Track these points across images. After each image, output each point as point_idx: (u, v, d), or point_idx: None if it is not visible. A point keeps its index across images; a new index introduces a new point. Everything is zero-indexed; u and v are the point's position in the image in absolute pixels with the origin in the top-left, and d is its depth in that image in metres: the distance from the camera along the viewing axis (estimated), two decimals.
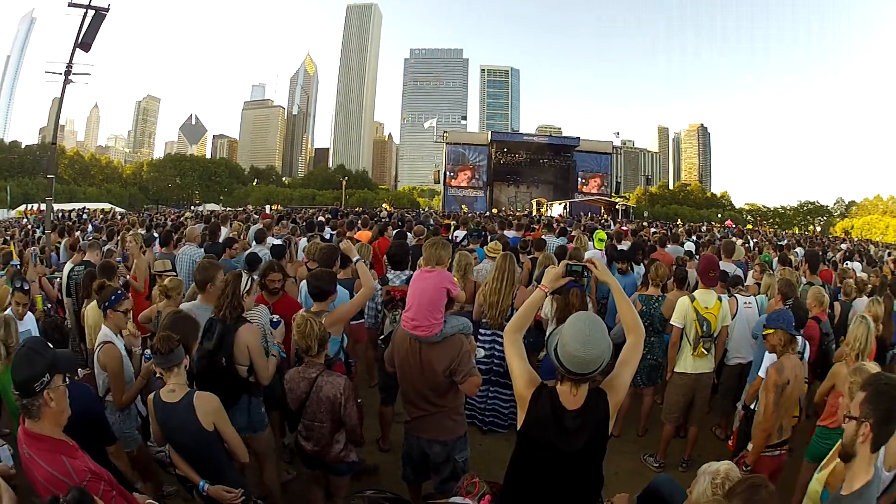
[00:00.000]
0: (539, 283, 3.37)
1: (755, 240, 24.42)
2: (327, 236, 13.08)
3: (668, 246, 12.33)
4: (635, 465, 6.45)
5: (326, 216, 22.29)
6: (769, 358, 5.12)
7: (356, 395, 4.32)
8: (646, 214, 77.68)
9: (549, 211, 54.96)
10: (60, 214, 30.40)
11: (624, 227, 20.03)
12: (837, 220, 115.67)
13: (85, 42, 12.74)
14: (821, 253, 15.84)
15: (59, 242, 12.40)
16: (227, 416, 3.64)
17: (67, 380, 2.90)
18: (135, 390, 4.56)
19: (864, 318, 5.31)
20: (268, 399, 4.90)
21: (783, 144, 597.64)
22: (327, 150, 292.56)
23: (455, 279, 4.80)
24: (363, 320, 7.00)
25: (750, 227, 65.71)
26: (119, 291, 4.95)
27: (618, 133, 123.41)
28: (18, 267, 7.64)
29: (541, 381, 3.02)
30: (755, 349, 6.35)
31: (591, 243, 11.09)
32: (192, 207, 73.09)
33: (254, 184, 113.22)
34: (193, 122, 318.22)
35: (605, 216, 44.64)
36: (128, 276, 7.76)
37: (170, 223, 19.35)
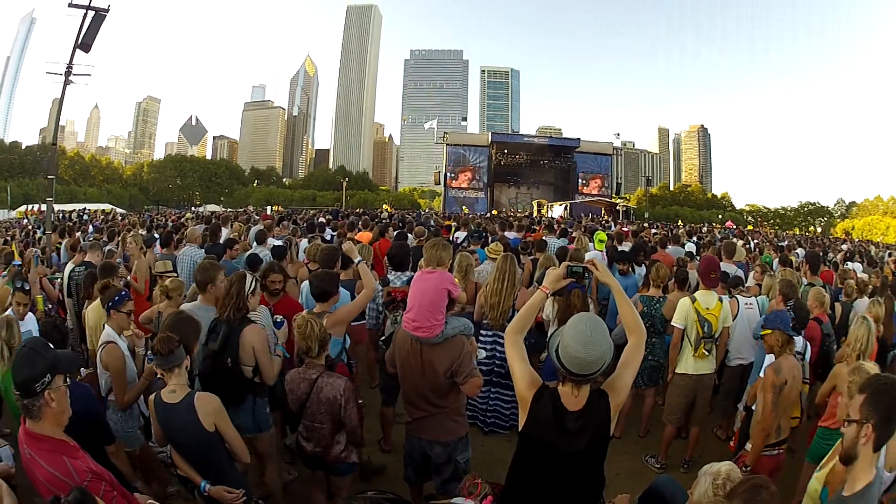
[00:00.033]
0: (540, 285, 3.36)
1: (756, 241, 24.43)
2: (328, 237, 13.09)
3: (669, 247, 12.33)
4: (636, 465, 6.44)
5: (327, 217, 22.34)
6: (770, 359, 5.12)
7: (357, 396, 4.32)
8: (646, 215, 77.95)
9: (549, 212, 54.95)
10: (61, 215, 30.38)
11: (625, 229, 20.02)
12: (838, 220, 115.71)
13: (85, 43, 12.75)
14: (821, 254, 15.83)
15: (60, 243, 12.41)
16: (227, 417, 3.64)
17: (68, 380, 2.90)
18: (137, 391, 4.56)
19: (865, 318, 5.32)
20: (270, 399, 4.90)
21: (784, 145, 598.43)
22: (328, 151, 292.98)
23: (456, 280, 4.80)
24: (364, 321, 7.00)
25: (750, 227, 65.61)
26: (123, 292, 4.95)
27: (618, 134, 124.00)
28: (20, 267, 7.64)
29: (542, 383, 3.02)
30: (756, 350, 6.35)
31: (591, 244, 11.08)
32: (193, 208, 73.12)
33: (254, 185, 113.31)
34: (194, 123, 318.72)
35: (606, 217, 44.73)
36: (128, 277, 7.77)
37: (170, 224, 19.39)
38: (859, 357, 5.03)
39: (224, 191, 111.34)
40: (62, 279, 8.58)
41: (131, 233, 10.77)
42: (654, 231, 22.53)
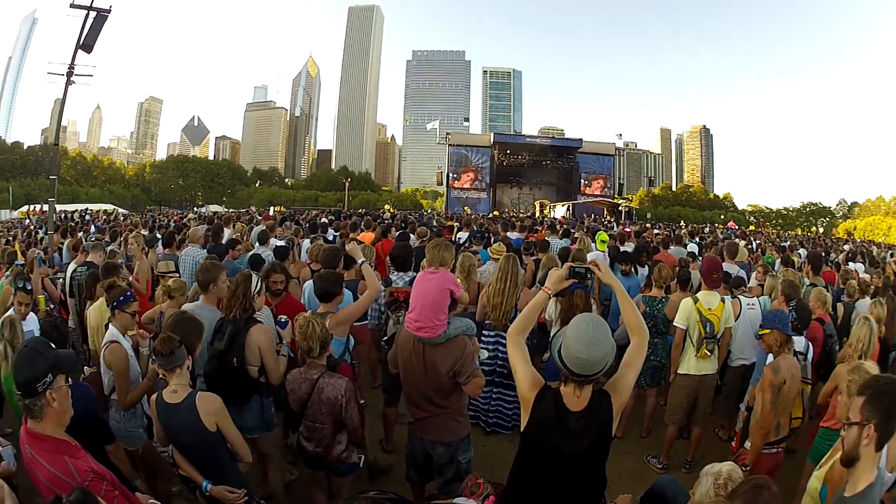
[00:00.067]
0: (542, 285, 3.36)
1: (758, 241, 24.39)
2: (330, 238, 13.09)
3: (671, 247, 12.35)
4: (638, 466, 6.44)
5: (329, 218, 22.32)
6: (770, 359, 5.12)
7: (358, 396, 4.32)
8: (649, 216, 77.95)
9: (552, 213, 54.90)
10: (63, 215, 30.42)
11: (627, 229, 20.01)
12: (840, 221, 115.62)
13: (87, 43, 12.77)
14: (823, 254, 15.80)
15: (62, 243, 12.41)
16: (229, 417, 3.64)
17: (69, 380, 2.90)
18: (140, 391, 4.56)
19: (867, 319, 5.33)
20: (274, 399, 4.91)
21: (785, 145, 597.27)
22: (330, 151, 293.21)
23: (458, 280, 4.79)
24: (366, 322, 7.00)
25: (753, 228, 65.59)
26: (128, 292, 4.95)
27: (620, 134, 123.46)
28: (22, 266, 7.64)
29: (544, 383, 3.02)
30: (758, 350, 6.34)
31: (593, 245, 11.08)
32: (195, 209, 73.17)
33: (257, 185, 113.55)
34: (196, 123, 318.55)
35: (609, 218, 44.76)
36: (130, 278, 7.77)
37: (173, 224, 19.40)
38: (861, 357, 5.04)
39: (226, 191, 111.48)
40: (64, 279, 8.59)
41: (133, 233, 10.77)
42: (656, 231, 22.49)
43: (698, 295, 6.36)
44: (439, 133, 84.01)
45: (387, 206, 58.89)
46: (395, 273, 6.77)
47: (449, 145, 74.64)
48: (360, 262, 5.51)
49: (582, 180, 73.06)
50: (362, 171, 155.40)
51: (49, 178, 15.19)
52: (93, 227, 21.52)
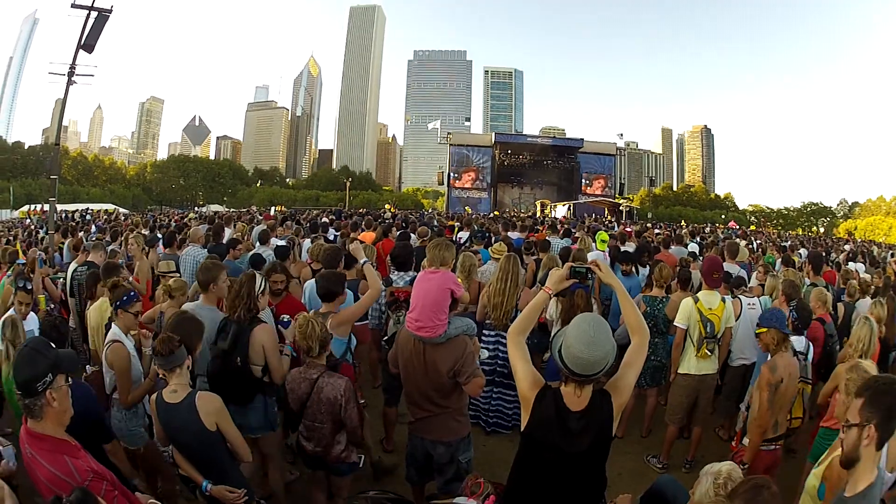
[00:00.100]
0: (543, 285, 3.36)
1: (759, 241, 24.39)
2: (331, 237, 13.11)
3: (672, 247, 12.39)
4: (639, 465, 6.44)
5: (330, 217, 22.37)
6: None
7: (358, 396, 4.32)
8: (650, 216, 78.01)
9: (553, 212, 54.94)
10: (64, 215, 30.40)
11: (628, 229, 20.01)
12: (841, 221, 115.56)
13: (88, 43, 12.74)
14: (824, 254, 15.80)
15: (63, 243, 12.41)
16: (229, 416, 3.64)
17: (69, 380, 2.90)
18: (142, 390, 4.56)
19: (867, 319, 5.33)
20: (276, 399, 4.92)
21: (786, 145, 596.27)
22: (331, 151, 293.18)
23: (459, 280, 4.79)
24: (367, 321, 7.00)
25: (753, 228, 65.58)
26: (132, 293, 4.94)
27: (621, 134, 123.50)
28: (23, 265, 7.65)
29: (545, 383, 3.02)
30: (759, 350, 6.34)
31: (594, 244, 11.08)
32: (196, 208, 73.16)
33: (257, 185, 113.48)
34: (197, 123, 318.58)
35: (609, 217, 44.72)
36: (130, 278, 7.78)
37: (174, 224, 19.40)
38: (861, 357, 5.04)
39: (227, 191, 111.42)
40: (65, 279, 8.59)
41: (133, 234, 10.78)
42: (657, 231, 22.53)
43: (699, 295, 6.35)
44: (440, 133, 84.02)
45: (387, 206, 58.87)
46: (396, 273, 6.77)
47: (450, 145, 74.82)
48: (362, 261, 5.51)
49: (583, 180, 73.22)
50: (363, 171, 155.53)
51: (50, 177, 15.15)
52: (93, 226, 21.52)
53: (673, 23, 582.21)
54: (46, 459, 2.73)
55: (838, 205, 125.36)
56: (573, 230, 16.79)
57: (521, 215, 41.43)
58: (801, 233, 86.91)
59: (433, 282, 4.39)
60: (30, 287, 5.92)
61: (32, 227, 23.50)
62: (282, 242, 9.86)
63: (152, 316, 5.76)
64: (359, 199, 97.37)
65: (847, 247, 28.22)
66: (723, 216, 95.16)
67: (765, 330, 4.96)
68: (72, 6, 12.51)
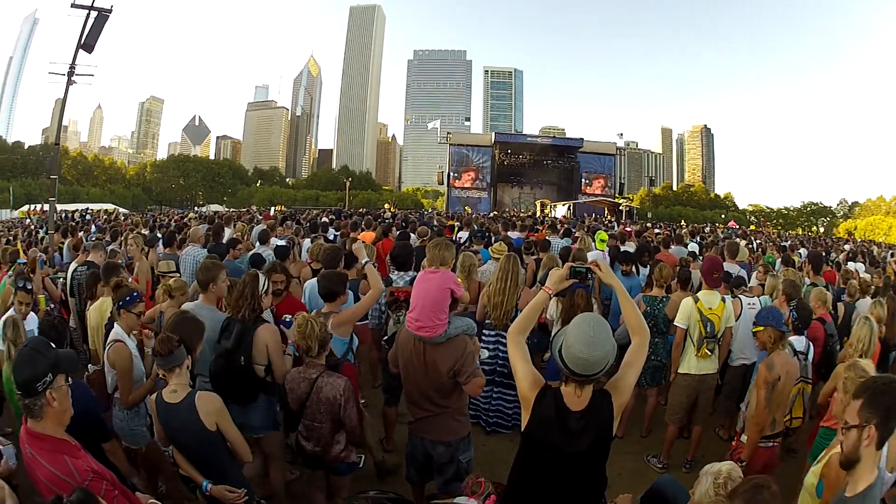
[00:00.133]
0: (543, 285, 3.36)
1: (759, 241, 24.41)
2: (331, 237, 13.13)
3: (672, 247, 12.39)
4: (639, 465, 6.44)
5: (330, 217, 22.41)
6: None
7: (357, 396, 4.33)
8: (649, 215, 78.08)
9: (552, 212, 54.96)
10: (64, 215, 30.39)
11: (628, 229, 20.02)
12: (841, 220, 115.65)
13: (88, 43, 12.74)
14: (824, 254, 15.82)
15: (63, 243, 12.41)
16: (229, 416, 3.64)
17: (69, 379, 2.90)
18: (143, 391, 4.55)
19: (867, 319, 5.34)
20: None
21: (786, 145, 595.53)
22: (331, 151, 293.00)
23: (459, 280, 4.79)
24: (367, 321, 6.99)
25: (753, 228, 65.62)
26: (135, 293, 4.94)
27: (621, 134, 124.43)
28: (24, 265, 7.65)
29: (545, 383, 3.02)
30: (759, 350, 6.35)
31: (593, 244, 11.08)
32: (196, 208, 73.17)
33: (257, 185, 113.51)
34: (197, 123, 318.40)
35: (609, 217, 44.72)
36: (129, 279, 7.79)
37: (173, 224, 19.42)
38: (861, 357, 5.04)
39: (227, 191, 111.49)
40: (65, 279, 8.59)
41: (132, 234, 10.78)
42: (657, 231, 22.55)
43: (699, 294, 6.36)
44: (440, 132, 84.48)
45: (387, 206, 58.87)
46: (396, 272, 6.77)
47: (450, 145, 74.97)
48: (364, 262, 5.51)
49: (583, 180, 73.33)
50: (363, 171, 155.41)
51: (50, 177, 15.17)
52: (93, 226, 21.54)
53: (673, 23, 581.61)
54: (46, 459, 2.73)
55: (838, 205, 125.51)
56: (573, 230, 16.77)
57: (521, 215, 41.47)
58: (800, 232, 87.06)
59: (433, 281, 4.39)
60: (30, 287, 5.92)
61: (32, 226, 23.51)
62: (282, 242, 9.86)
63: (152, 316, 5.75)
64: (358, 198, 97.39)
65: (847, 246, 28.24)
66: (723, 216, 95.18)
67: (761, 328, 4.98)
68: (72, 6, 12.52)
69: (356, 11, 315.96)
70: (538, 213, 52.04)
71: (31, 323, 5.72)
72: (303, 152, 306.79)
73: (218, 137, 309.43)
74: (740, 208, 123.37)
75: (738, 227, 54.60)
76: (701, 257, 10.38)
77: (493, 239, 11.71)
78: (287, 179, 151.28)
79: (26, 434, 2.80)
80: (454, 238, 13.18)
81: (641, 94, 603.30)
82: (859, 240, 59.61)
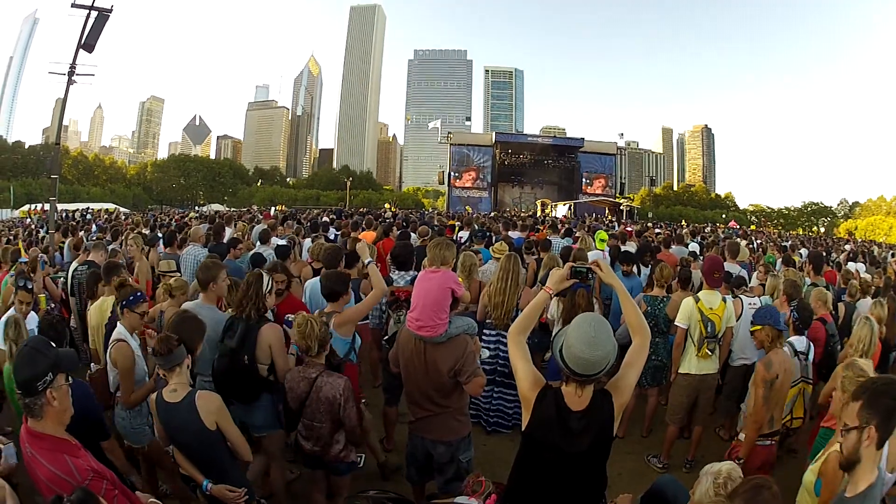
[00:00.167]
0: (544, 285, 3.36)
1: (759, 241, 24.42)
2: (331, 237, 13.11)
3: (673, 247, 12.38)
4: (639, 465, 6.44)
5: (331, 217, 22.35)
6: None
7: (358, 396, 4.33)
8: (650, 215, 78.03)
9: (553, 212, 54.95)
10: (64, 214, 30.38)
11: (628, 229, 20.00)
12: (841, 221, 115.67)
13: (88, 43, 12.73)
14: (825, 254, 15.83)
15: (63, 242, 12.41)
16: (229, 415, 3.64)
17: (70, 379, 2.90)
18: (145, 391, 4.55)
19: (867, 319, 5.33)
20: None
21: (786, 145, 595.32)
22: (331, 150, 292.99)
23: (460, 279, 4.78)
24: (367, 321, 6.99)
25: (754, 228, 65.66)
26: (139, 293, 4.96)
27: (622, 134, 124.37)
28: (26, 264, 7.65)
29: (546, 383, 3.02)
30: (760, 350, 6.35)
31: (594, 244, 11.07)
32: (197, 208, 73.20)
33: (258, 184, 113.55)
34: (197, 122, 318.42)
35: (610, 217, 44.70)
36: (130, 279, 7.79)
37: (174, 223, 19.40)
38: (862, 358, 5.03)
39: (228, 190, 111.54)
40: (65, 278, 8.59)
41: (132, 234, 10.78)
42: (657, 231, 22.53)
43: (700, 294, 6.36)
44: (441, 132, 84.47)
45: (388, 206, 58.85)
46: (397, 272, 6.76)
47: (450, 144, 74.94)
48: (367, 262, 5.51)
49: (583, 179, 73.31)
50: (364, 171, 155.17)
51: (50, 177, 15.15)
52: (94, 226, 21.55)
53: (673, 23, 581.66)
54: (46, 458, 2.73)
55: (839, 205, 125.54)
56: (574, 230, 16.76)
57: (522, 215, 41.47)
58: (801, 232, 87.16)
59: (434, 281, 4.39)
60: (30, 286, 5.92)
61: (33, 226, 23.49)
62: (282, 242, 9.84)
63: (153, 315, 5.75)
64: (359, 198, 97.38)
65: (847, 247, 28.24)
66: (723, 216, 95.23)
67: (759, 327, 4.99)
68: (72, 6, 12.51)
69: (356, 11, 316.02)
70: (539, 213, 52.00)
71: (32, 322, 5.72)
72: (303, 152, 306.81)
73: (219, 137, 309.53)
74: (741, 208, 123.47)
75: (738, 226, 54.61)
76: (702, 257, 10.38)
77: (493, 238, 11.71)
78: (288, 179, 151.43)
79: (26, 433, 2.80)
80: (455, 238, 13.16)
81: (642, 94, 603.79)
82: (860, 240, 59.60)
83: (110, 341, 4.73)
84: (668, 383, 6.77)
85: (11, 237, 17.13)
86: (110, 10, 12.80)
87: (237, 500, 3.58)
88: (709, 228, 39.00)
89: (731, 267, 8.22)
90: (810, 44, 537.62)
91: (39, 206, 44.93)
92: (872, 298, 7.72)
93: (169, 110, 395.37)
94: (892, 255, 24.37)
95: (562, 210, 55.83)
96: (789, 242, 25.23)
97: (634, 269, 8.75)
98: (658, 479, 3.66)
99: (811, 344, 5.77)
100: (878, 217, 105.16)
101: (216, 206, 75.66)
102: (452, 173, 74.03)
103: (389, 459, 5.88)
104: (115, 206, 57.90)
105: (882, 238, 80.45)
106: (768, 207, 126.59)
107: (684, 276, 7.21)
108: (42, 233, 17.88)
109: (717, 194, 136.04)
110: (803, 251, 18.33)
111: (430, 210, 73.37)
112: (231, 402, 3.94)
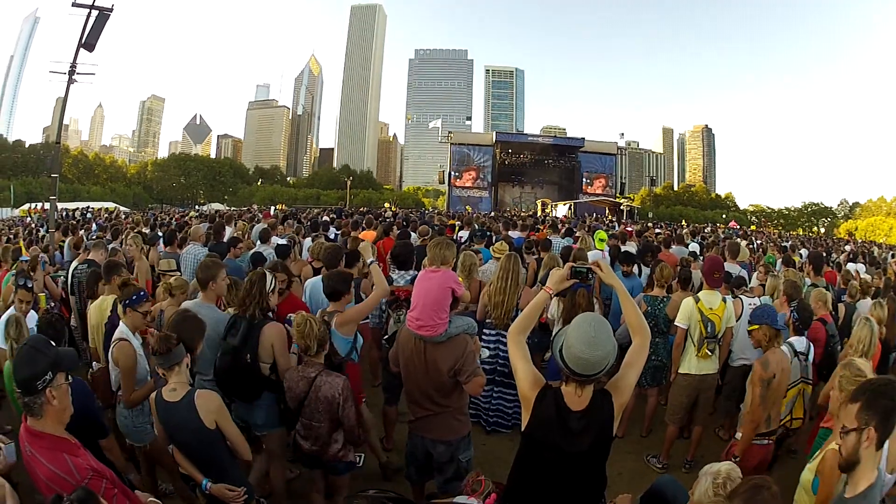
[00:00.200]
0: (544, 285, 3.36)
1: (759, 241, 24.42)
2: (332, 236, 13.09)
3: (673, 247, 12.37)
4: (639, 465, 6.44)
5: (331, 216, 22.35)
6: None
7: (358, 396, 4.32)
8: (650, 215, 78.05)
9: (553, 211, 54.93)
10: (64, 213, 30.39)
11: (628, 229, 19.99)
12: (841, 221, 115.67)
13: (89, 42, 12.75)
14: (825, 254, 15.82)
15: (63, 241, 12.41)
16: (229, 415, 3.64)
17: (69, 378, 2.90)
18: (145, 391, 4.54)
19: (867, 320, 5.33)
20: None
21: (786, 145, 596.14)
22: (332, 150, 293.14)
23: (460, 279, 4.78)
24: (367, 320, 6.99)
25: (754, 228, 65.67)
26: (142, 292, 4.96)
27: (622, 134, 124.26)
28: (27, 262, 7.65)
29: (545, 382, 3.01)
30: (760, 350, 6.35)
31: (594, 244, 11.07)
32: (197, 207, 73.13)
33: (258, 184, 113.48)
34: (198, 121, 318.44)
35: (610, 217, 44.71)
36: (131, 278, 7.79)
37: (174, 223, 19.40)
38: (862, 358, 5.03)
39: (228, 189, 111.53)
40: (66, 277, 8.59)
41: (131, 234, 10.78)
42: (657, 231, 22.53)
43: (700, 294, 6.35)
44: (441, 132, 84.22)
45: (388, 205, 58.86)
46: (397, 272, 6.76)
47: (451, 144, 74.92)
48: (369, 261, 5.50)
49: (584, 179, 73.32)
50: (364, 170, 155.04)
51: (51, 176, 15.18)
52: (94, 225, 21.51)
53: (673, 23, 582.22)
54: (46, 457, 2.73)
55: (839, 205, 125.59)
56: (574, 229, 16.75)
57: (522, 214, 41.48)
58: (801, 233, 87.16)
59: (434, 281, 4.39)
60: (30, 285, 5.92)
61: (33, 225, 23.48)
62: (282, 241, 9.83)
63: (153, 314, 5.75)
64: (359, 197, 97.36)
65: (848, 247, 28.25)
66: (723, 216, 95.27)
67: (756, 327, 5.00)
68: (73, 5, 12.53)
69: (357, 11, 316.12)
70: (539, 213, 52.01)
71: (32, 321, 5.72)
72: (304, 151, 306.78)
73: (219, 136, 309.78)
74: (741, 208, 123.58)
75: (738, 227, 54.66)
76: (702, 257, 10.38)
77: (493, 238, 11.71)
78: (288, 178, 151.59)
79: (26, 432, 2.80)
80: (455, 237, 13.14)
81: (642, 94, 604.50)
82: (860, 240, 59.62)
83: (112, 340, 4.72)
84: (668, 383, 6.76)
85: (12, 236, 17.13)
86: (111, 10, 12.81)
87: (236, 499, 3.58)
88: (709, 228, 39.02)
89: (731, 267, 8.21)
90: (810, 44, 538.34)
91: (40, 205, 44.88)
92: (872, 299, 7.71)
93: (169, 109, 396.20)
94: (893, 256, 24.35)
95: (562, 210, 55.84)
96: (789, 243, 25.26)
97: (635, 269, 8.74)
98: (658, 479, 3.66)
99: (811, 344, 5.77)
100: (879, 218, 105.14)
101: (216, 206, 75.59)
102: (453, 173, 74.05)
103: (391, 460, 5.88)
104: (115, 205, 57.88)
105: (882, 239, 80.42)
106: (768, 208, 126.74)
107: (684, 277, 7.21)
108: (42, 232, 17.89)
109: (717, 194, 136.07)
110: (803, 251, 18.35)
111: (431, 209, 73.35)
112: (233, 401, 3.93)
